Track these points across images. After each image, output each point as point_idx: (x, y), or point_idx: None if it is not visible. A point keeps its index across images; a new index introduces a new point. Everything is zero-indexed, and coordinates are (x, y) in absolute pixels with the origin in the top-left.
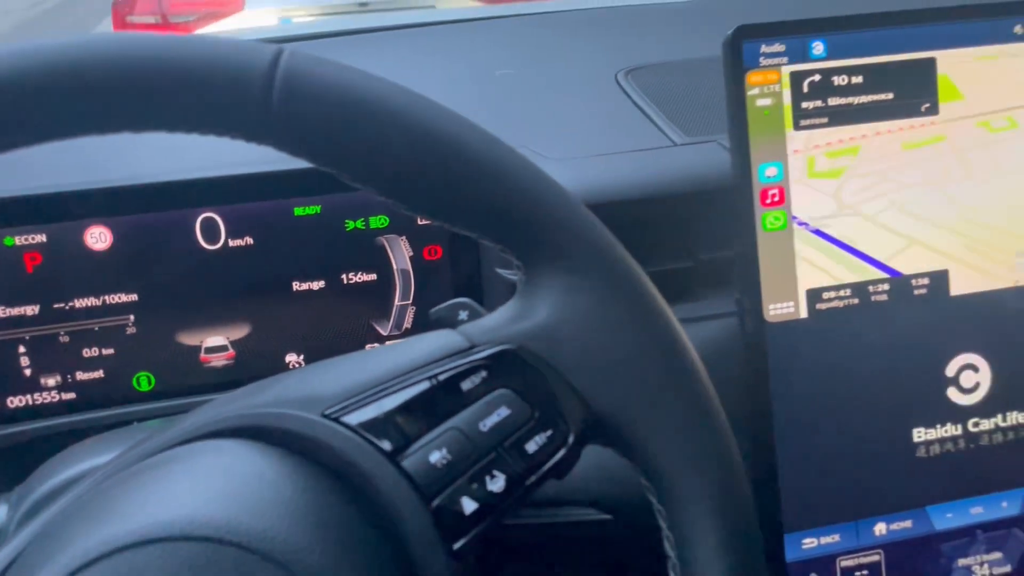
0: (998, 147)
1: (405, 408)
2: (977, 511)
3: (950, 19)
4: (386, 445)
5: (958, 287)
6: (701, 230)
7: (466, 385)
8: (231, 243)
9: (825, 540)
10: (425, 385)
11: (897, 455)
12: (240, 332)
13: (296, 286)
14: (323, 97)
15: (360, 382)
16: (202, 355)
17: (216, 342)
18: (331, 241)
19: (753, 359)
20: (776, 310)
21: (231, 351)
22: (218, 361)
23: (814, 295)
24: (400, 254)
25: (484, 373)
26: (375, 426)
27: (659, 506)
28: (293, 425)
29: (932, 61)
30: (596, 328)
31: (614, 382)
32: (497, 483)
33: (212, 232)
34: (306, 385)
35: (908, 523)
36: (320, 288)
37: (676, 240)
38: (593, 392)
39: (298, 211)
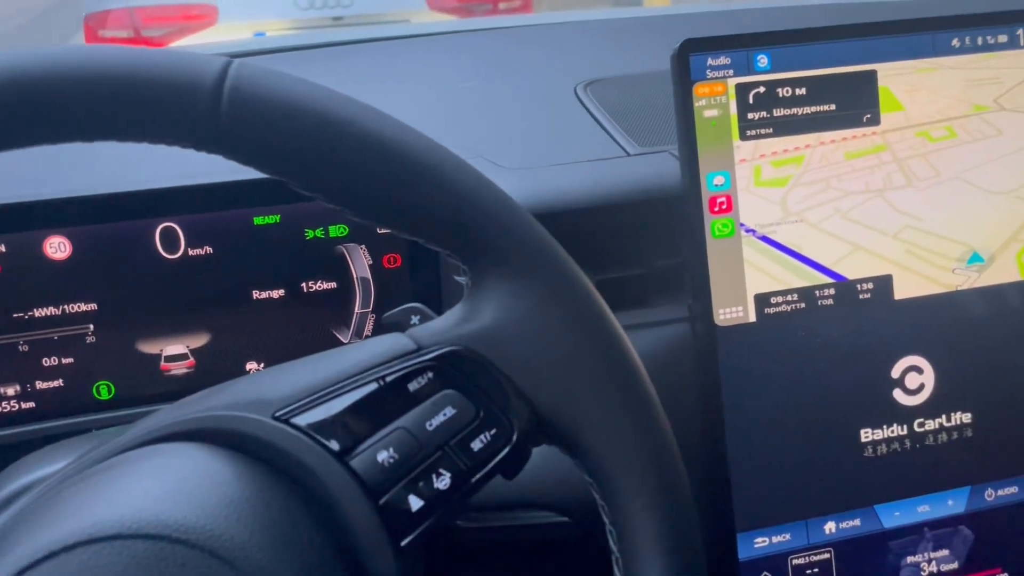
0: (937, 156)
1: (353, 409)
2: (924, 509)
3: (890, 33)
4: (334, 445)
5: (902, 292)
6: (654, 238)
7: (413, 386)
8: (191, 252)
9: (777, 539)
10: (373, 387)
11: (845, 455)
12: (200, 340)
13: (256, 295)
14: (270, 107)
15: (310, 384)
16: (162, 363)
17: (176, 350)
18: (291, 250)
19: (704, 363)
20: (726, 315)
21: (191, 359)
22: (178, 369)
23: (762, 300)
24: (360, 262)
25: (430, 374)
26: (324, 427)
27: (602, 502)
28: (244, 427)
29: (873, 73)
30: (538, 330)
31: (556, 381)
32: (443, 481)
33: (172, 241)
34: (257, 388)
35: (857, 522)
36: (280, 296)
37: (630, 247)
38: (536, 391)
39: (257, 220)
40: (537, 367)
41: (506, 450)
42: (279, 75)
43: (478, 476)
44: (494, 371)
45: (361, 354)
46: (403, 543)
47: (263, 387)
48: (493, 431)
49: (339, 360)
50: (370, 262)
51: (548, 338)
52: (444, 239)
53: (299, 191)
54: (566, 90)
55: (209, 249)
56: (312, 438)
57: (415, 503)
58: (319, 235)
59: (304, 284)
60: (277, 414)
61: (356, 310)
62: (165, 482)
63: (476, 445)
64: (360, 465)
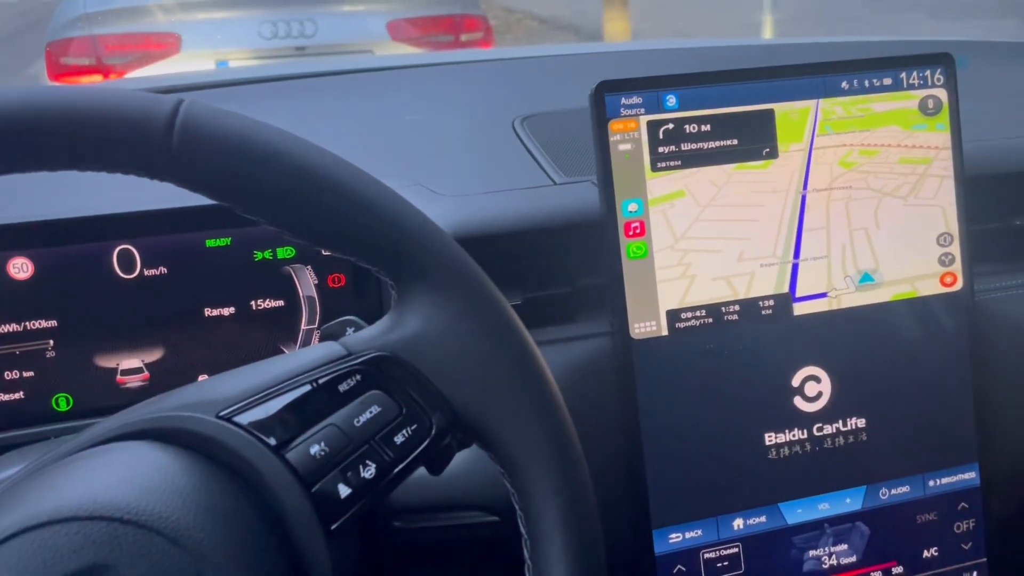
0: (837, 182)
1: (289, 408)
2: (824, 507)
3: (786, 76)
4: (272, 440)
5: (800, 308)
6: (577, 259)
7: (343, 387)
8: (146, 273)
9: (689, 535)
10: (307, 388)
11: (751, 457)
12: (155, 355)
13: (208, 312)
14: (216, 141)
15: (250, 387)
16: (118, 377)
17: (132, 364)
18: (241, 270)
19: (622, 372)
20: (640, 329)
21: (146, 373)
22: (134, 382)
23: (673, 315)
24: (306, 282)
25: (359, 376)
26: (263, 424)
27: (512, 489)
28: (191, 425)
29: (771, 112)
30: (455, 337)
31: (470, 382)
32: (369, 471)
33: (128, 263)
34: (203, 392)
35: (763, 518)
36: (230, 314)
37: (556, 268)
38: (452, 391)
39: (209, 243)
40: (453, 370)
41: (425, 443)
42: (224, 113)
43: (400, 467)
44: (415, 374)
45: (297, 360)
46: (333, 527)
47: (208, 390)
48: (414, 427)
49: (277, 366)
50: (316, 281)
51: (463, 345)
52: (372, 258)
53: (243, 215)
54: (504, 124)
55: (164, 270)
56: (252, 434)
57: (344, 491)
58: (267, 256)
59: (253, 302)
60: (220, 413)
61: (303, 326)
62: (118, 473)
63: (399, 439)
64: (295, 457)
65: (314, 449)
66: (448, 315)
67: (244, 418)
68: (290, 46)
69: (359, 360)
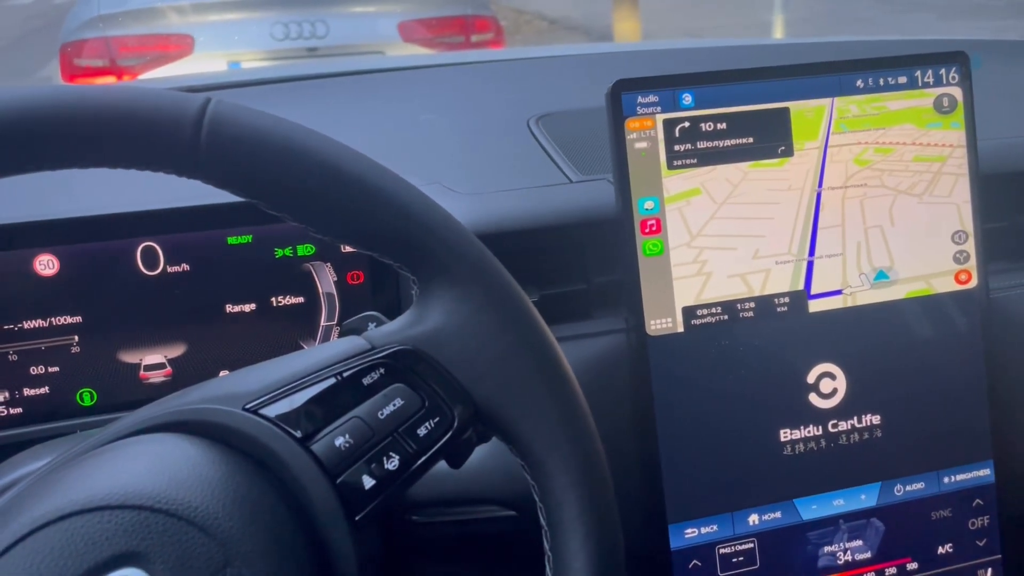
0: (853, 180)
1: (314, 401)
2: (839, 503)
3: (801, 75)
4: (297, 432)
5: (815, 305)
6: (593, 256)
7: (367, 380)
8: (169, 270)
9: (705, 530)
10: (332, 381)
11: (766, 453)
12: (177, 351)
13: (229, 308)
14: (243, 139)
15: (276, 380)
16: (141, 372)
17: (155, 360)
18: (262, 268)
19: (638, 369)
20: (656, 326)
21: (168, 368)
22: (156, 378)
23: (689, 312)
24: (325, 279)
25: (382, 370)
26: (288, 417)
27: (532, 482)
28: (217, 418)
29: (786, 111)
30: (475, 331)
31: (490, 375)
32: (392, 462)
33: (152, 260)
34: (229, 385)
35: (778, 514)
36: (251, 311)
37: (572, 265)
38: (473, 384)
39: (231, 240)
40: (474, 363)
41: (448, 436)
42: (251, 111)
43: (423, 459)
44: (438, 367)
45: (322, 354)
46: (357, 517)
47: (234, 384)
48: (436, 419)
49: (302, 359)
50: (335, 279)
51: (484, 339)
52: (395, 254)
53: (267, 211)
54: (519, 123)
55: (186, 267)
56: (278, 426)
57: (368, 482)
58: (288, 254)
59: (274, 299)
60: (247, 406)
61: (322, 323)
62: (147, 463)
63: (421, 431)
64: (320, 449)
65: (339, 441)
66: (469, 309)
67: (270, 411)
68: (302, 47)
69: (383, 354)
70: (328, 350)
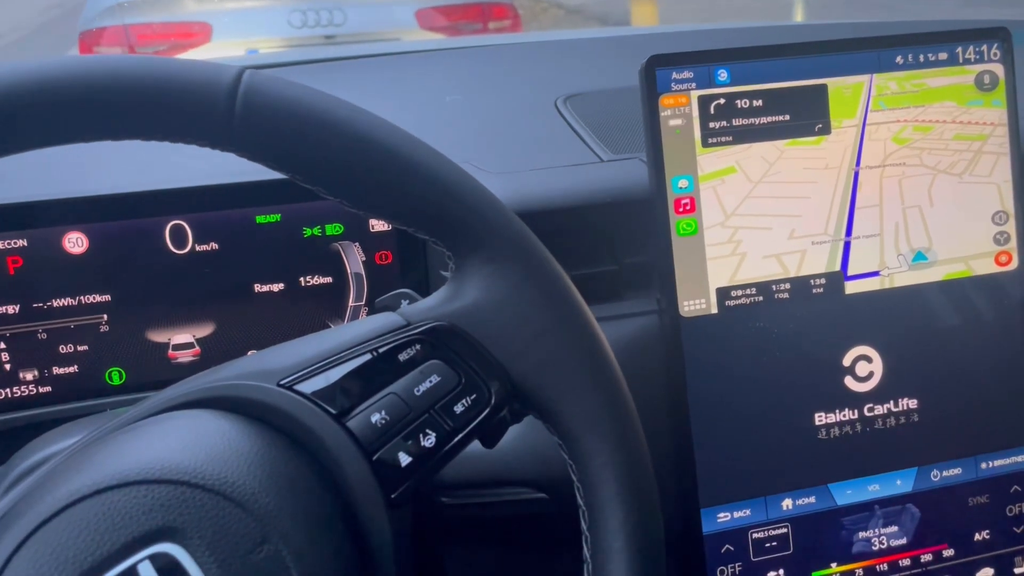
0: (891, 159)
1: (350, 377)
2: (874, 488)
3: (838, 51)
4: (333, 408)
5: (852, 286)
6: (624, 236)
7: (403, 356)
8: (198, 248)
9: (738, 514)
10: (367, 357)
11: (801, 437)
12: (205, 330)
13: (257, 288)
14: (279, 110)
15: (310, 356)
16: (170, 351)
17: (183, 339)
18: (290, 247)
19: (671, 351)
20: (690, 307)
21: (197, 348)
22: (184, 357)
23: (723, 293)
24: (354, 259)
25: (418, 346)
26: (324, 393)
27: (570, 461)
28: (253, 394)
29: (824, 87)
30: (513, 307)
31: (528, 353)
32: (429, 440)
33: (180, 238)
34: (263, 361)
35: (812, 499)
36: (280, 290)
37: (603, 246)
38: (511, 361)
39: (260, 219)
40: (512, 340)
41: (484, 413)
42: (286, 82)
43: (460, 436)
44: (475, 344)
45: (357, 330)
46: (393, 496)
47: (268, 360)
48: (473, 396)
49: (337, 335)
50: (363, 258)
51: (522, 315)
52: (431, 228)
53: (302, 184)
54: (547, 103)
55: (215, 245)
56: (313, 402)
57: (404, 459)
58: (316, 233)
59: (302, 279)
60: (282, 382)
61: (350, 303)
62: (183, 438)
63: (458, 408)
64: (356, 426)
65: (375, 417)
66: (507, 285)
67: (305, 387)
68: (320, 35)
69: (419, 330)
70: (363, 326)
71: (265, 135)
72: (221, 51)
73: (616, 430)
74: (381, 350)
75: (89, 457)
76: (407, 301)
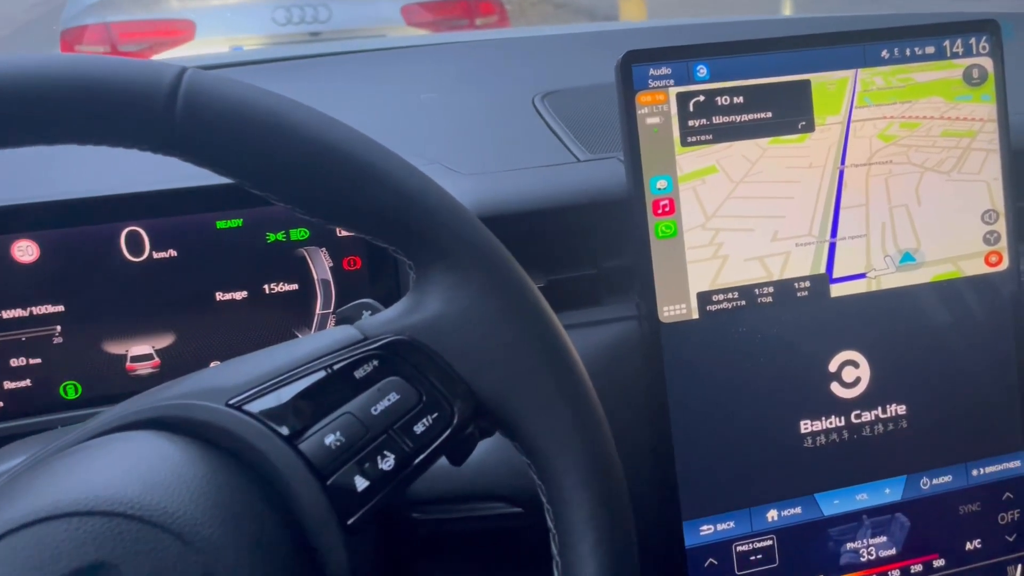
0: (877, 157)
1: (302, 396)
2: (862, 497)
3: (822, 45)
4: (284, 430)
5: (837, 289)
6: (603, 239)
7: (359, 373)
8: (155, 255)
9: (721, 527)
10: (321, 374)
11: (786, 446)
12: (165, 341)
13: (219, 296)
14: (222, 111)
15: (262, 374)
16: (128, 364)
17: (141, 351)
18: (253, 253)
19: (650, 358)
20: (670, 312)
21: (156, 360)
22: (144, 369)
23: (704, 297)
24: (320, 265)
25: (376, 362)
26: (275, 413)
27: (539, 481)
28: (199, 414)
29: (807, 83)
30: (477, 319)
31: (494, 367)
32: (387, 462)
33: (137, 245)
34: (212, 379)
35: (798, 509)
36: (243, 298)
37: (580, 249)
38: (475, 377)
39: (220, 224)
40: (476, 354)
41: (447, 433)
42: (231, 81)
43: (421, 458)
44: (436, 359)
45: (311, 345)
46: (350, 522)
47: (218, 377)
48: (435, 415)
49: (290, 351)
50: (331, 264)
51: (487, 327)
52: (390, 236)
53: (252, 191)
54: (524, 101)
55: (173, 252)
56: (264, 423)
57: (360, 483)
58: (280, 238)
59: (266, 286)
60: (230, 401)
61: (317, 311)
62: (121, 465)
63: (419, 428)
64: (308, 448)
65: (329, 439)
66: (471, 296)
67: (255, 406)
68: (304, 31)
69: (376, 344)
70: (318, 341)
71: (209, 138)
72: (205, 49)
73: (588, 449)
74: (336, 367)
75: (20, 487)
76: (368, 312)
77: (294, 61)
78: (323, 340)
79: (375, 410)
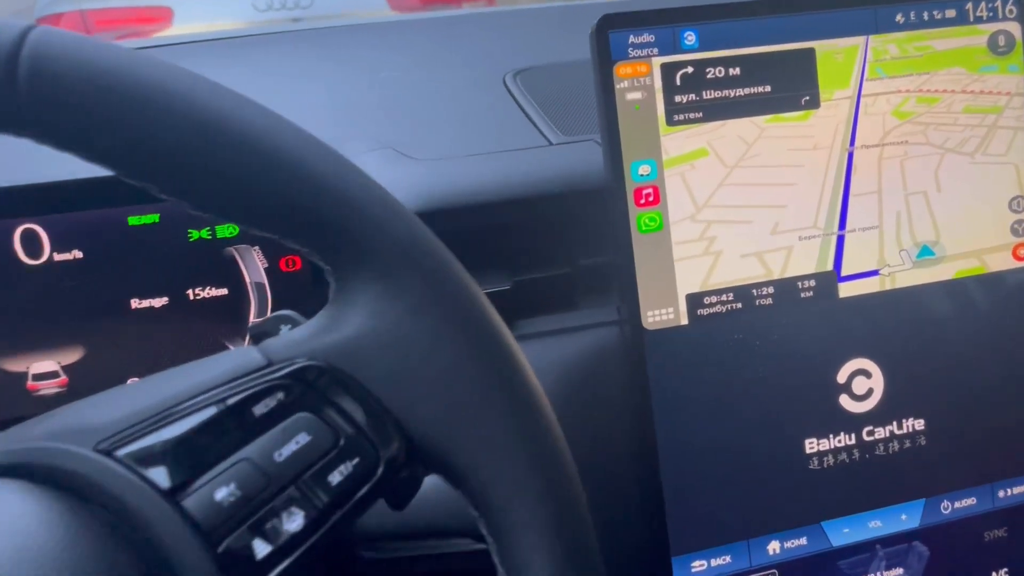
0: (891, 137)
1: (187, 438)
2: (875, 525)
3: (829, 7)
4: (164, 482)
5: (847, 288)
6: (578, 234)
7: (259, 409)
8: (57, 257)
9: (716, 562)
10: (212, 411)
11: (789, 468)
12: (73, 356)
13: (135, 303)
14: (81, 80)
15: (141, 409)
16: (29, 382)
17: (45, 368)
18: (173, 253)
19: (633, 369)
20: (655, 317)
21: (63, 377)
22: (48, 389)
23: (695, 300)
24: (253, 266)
25: (280, 395)
26: (152, 459)
27: (490, 538)
28: (61, 461)
29: (811, 52)
30: (411, 339)
31: (431, 399)
32: (295, 521)
33: (34, 245)
34: (83, 415)
35: (803, 540)
36: (163, 305)
37: (553, 245)
38: (407, 411)
39: (133, 220)
40: (408, 383)
41: (371, 483)
42: (91, 42)
43: (339, 515)
44: (357, 389)
45: (202, 373)
46: None
47: (89, 414)
48: (355, 461)
49: (176, 380)
50: (265, 265)
51: (422, 348)
52: (300, 234)
53: (124, 179)
54: (495, 79)
55: (78, 253)
56: (137, 474)
57: (261, 549)
58: (205, 236)
59: (190, 291)
60: (100, 445)
61: (251, 318)
62: None
63: (335, 478)
64: (194, 505)
65: (220, 494)
66: (403, 309)
67: (128, 451)
68: (285, 17)
69: (282, 372)
70: (210, 368)
71: (62, 114)
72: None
73: (550, 497)
74: (230, 401)
75: None
76: (288, 327)
77: (242, 39)
78: (217, 367)
79: (279, 456)
